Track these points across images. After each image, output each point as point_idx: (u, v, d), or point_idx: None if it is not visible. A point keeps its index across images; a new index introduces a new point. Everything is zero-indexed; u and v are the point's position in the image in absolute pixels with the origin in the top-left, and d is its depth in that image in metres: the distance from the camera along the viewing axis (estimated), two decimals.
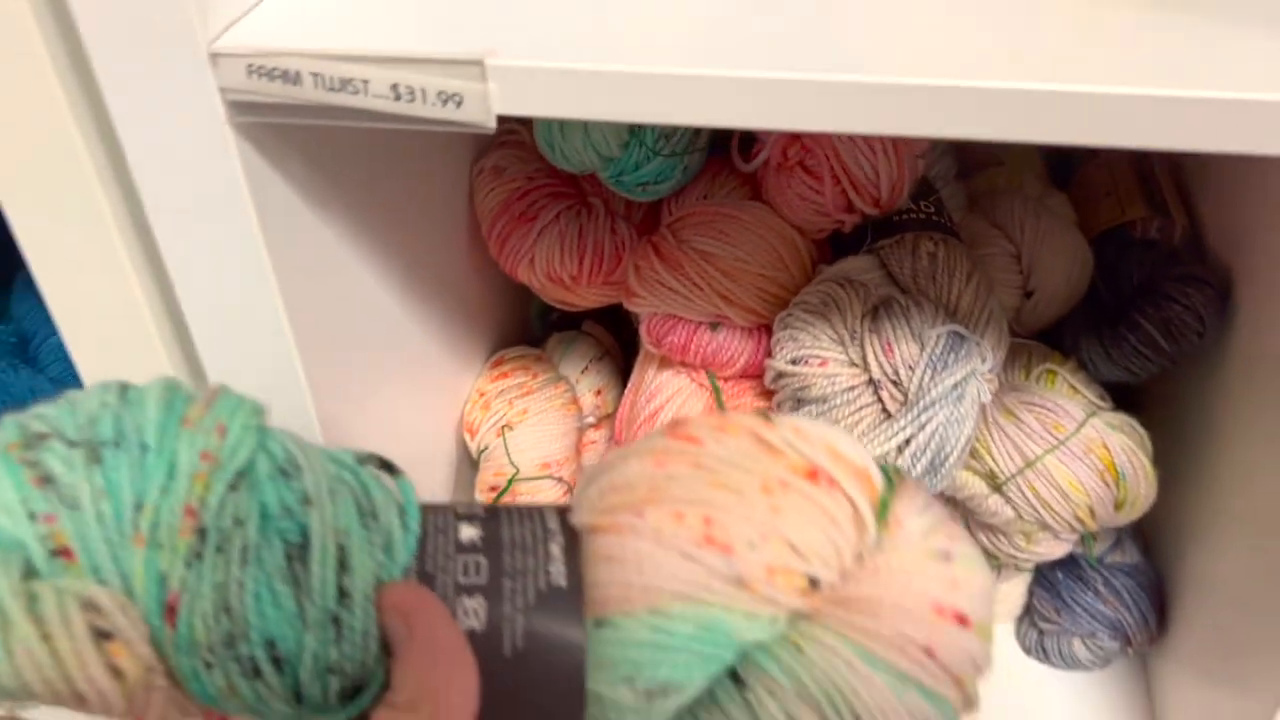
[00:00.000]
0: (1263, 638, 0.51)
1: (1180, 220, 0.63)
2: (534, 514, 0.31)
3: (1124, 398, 0.61)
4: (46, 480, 0.26)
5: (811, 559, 0.30)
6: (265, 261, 0.42)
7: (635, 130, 0.56)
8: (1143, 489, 0.56)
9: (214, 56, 0.37)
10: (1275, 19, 0.37)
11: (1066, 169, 0.73)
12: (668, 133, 0.56)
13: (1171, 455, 0.64)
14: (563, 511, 0.32)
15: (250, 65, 0.37)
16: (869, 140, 0.53)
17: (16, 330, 0.68)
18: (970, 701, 0.31)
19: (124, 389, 0.29)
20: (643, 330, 0.60)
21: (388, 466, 0.31)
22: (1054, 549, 0.58)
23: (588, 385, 0.68)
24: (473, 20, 0.39)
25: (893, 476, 0.33)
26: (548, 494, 0.62)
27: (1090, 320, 0.60)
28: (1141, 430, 0.57)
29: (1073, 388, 0.57)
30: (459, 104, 0.37)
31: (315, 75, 0.37)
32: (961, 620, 0.30)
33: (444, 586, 0.28)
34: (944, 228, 0.57)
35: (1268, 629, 0.50)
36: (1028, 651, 0.67)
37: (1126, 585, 0.63)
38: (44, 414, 0.28)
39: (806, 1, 0.39)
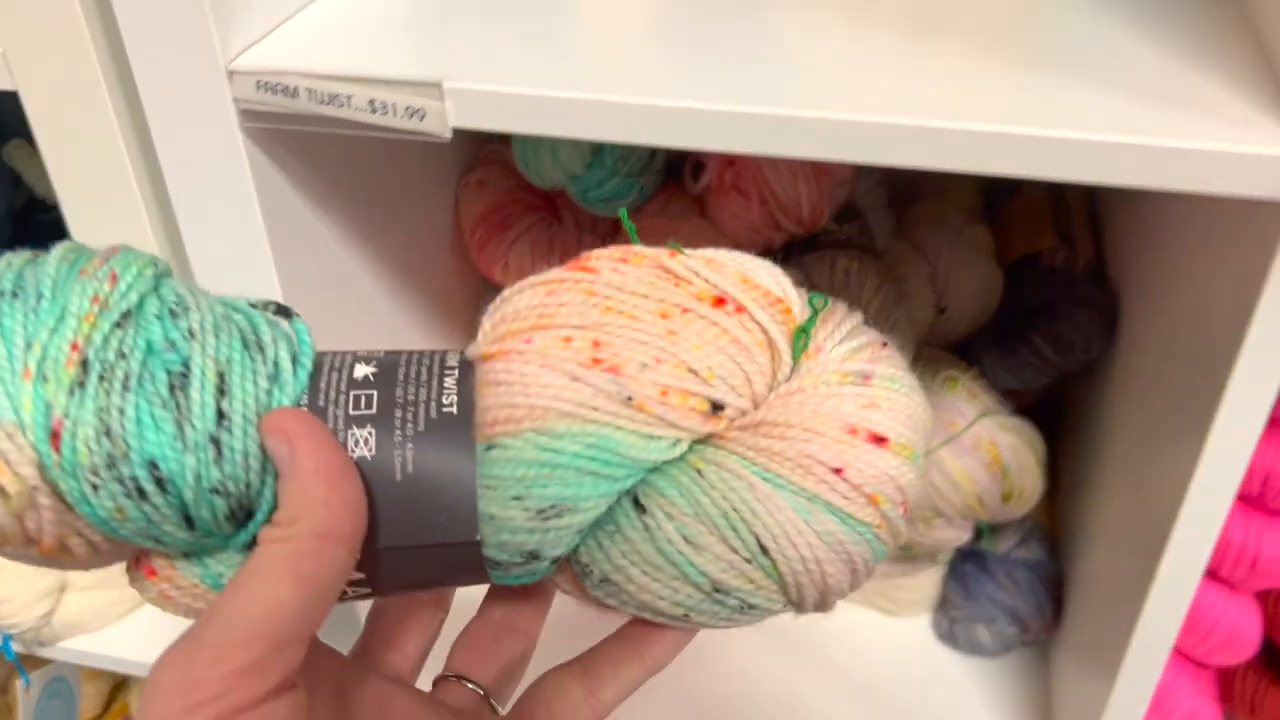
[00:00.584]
0: (1132, 632, 0.57)
1: (1085, 251, 0.70)
2: (434, 354, 0.32)
3: (1047, 410, 0.69)
4: None
5: (713, 382, 0.30)
6: (265, 242, 0.51)
7: (596, 152, 0.65)
8: (1029, 484, 0.64)
9: (230, 73, 0.46)
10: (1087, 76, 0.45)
11: (998, 203, 0.81)
12: (625, 155, 0.65)
13: (1080, 461, 0.72)
14: (464, 351, 0.33)
15: (259, 81, 0.46)
16: (792, 168, 0.61)
17: None
18: (894, 530, 0.31)
19: (35, 254, 0.30)
20: None
21: (284, 311, 0.32)
22: (950, 535, 0.66)
23: None
24: (444, 48, 0.48)
25: (818, 305, 0.33)
26: None
27: (993, 335, 0.68)
28: (1033, 432, 0.65)
29: (971, 393, 0.65)
30: (422, 118, 0.45)
31: (309, 90, 0.46)
32: (878, 440, 0.30)
33: (335, 419, 0.29)
34: (861, 247, 0.65)
35: (1134, 624, 0.56)
36: (941, 638, 0.74)
37: (1025, 578, 0.70)
38: None
39: (727, 39, 0.48)
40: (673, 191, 0.69)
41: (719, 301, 0.31)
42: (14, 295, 0.28)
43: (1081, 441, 0.73)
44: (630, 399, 0.29)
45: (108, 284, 0.28)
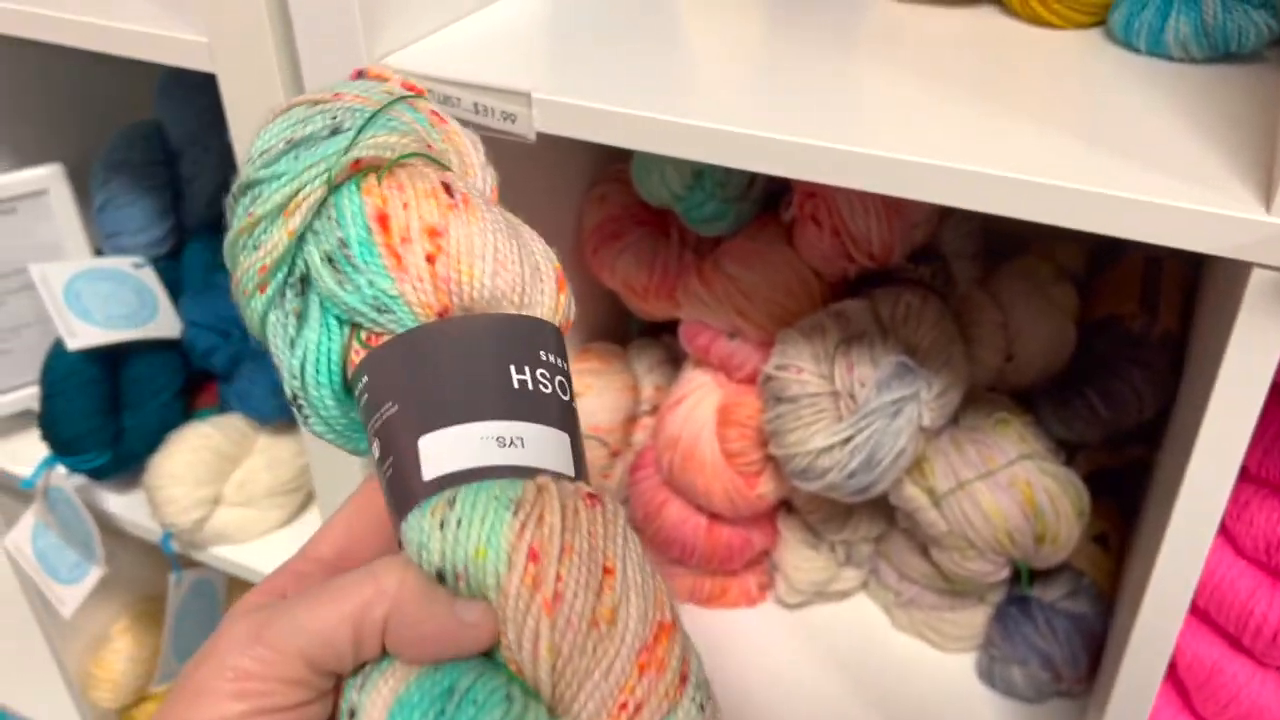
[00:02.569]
0: (1112, 683, 0.58)
1: (1165, 320, 0.72)
2: None
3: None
4: None
5: None
6: None
7: (698, 175, 0.72)
8: (1064, 530, 0.66)
9: None
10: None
11: (1102, 267, 0.83)
12: (723, 180, 0.72)
13: (1146, 527, 0.73)
14: None
15: None
16: (865, 204, 0.67)
17: None
18: None
19: None
20: (680, 331, 0.75)
21: None
22: (983, 569, 0.68)
23: (651, 381, 0.84)
24: (553, 63, 0.57)
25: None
26: (592, 453, 0.78)
27: (1055, 385, 0.70)
28: (1078, 484, 0.67)
29: (1021, 436, 0.68)
30: (514, 122, 0.54)
31: (429, 92, 0.56)
32: None
33: None
34: (931, 288, 0.69)
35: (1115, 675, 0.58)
36: (980, 676, 0.76)
37: (1065, 627, 0.71)
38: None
39: (802, 74, 0.55)
40: (767, 220, 0.75)
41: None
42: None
43: (1150, 505, 0.74)
44: None
45: None
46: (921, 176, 0.47)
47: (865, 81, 0.54)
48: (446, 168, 0.39)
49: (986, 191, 0.46)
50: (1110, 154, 0.46)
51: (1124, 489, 0.80)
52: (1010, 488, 0.65)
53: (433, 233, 0.35)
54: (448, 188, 0.36)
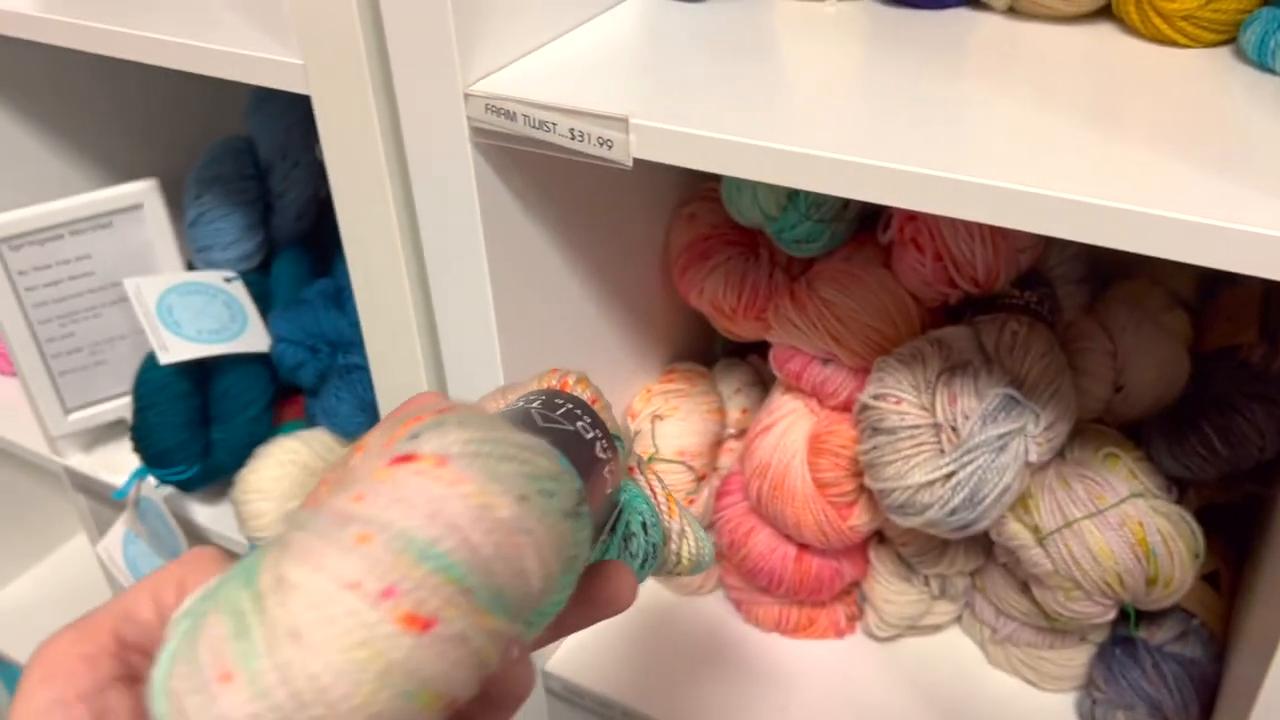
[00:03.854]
0: None
1: None
2: None
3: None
4: None
5: None
6: (480, 242, 0.60)
7: (791, 196, 0.70)
8: (1177, 573, 0.62)
9: (467, 96, 0.56)
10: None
11: (1214, 292, 0.79)
12: (818, 201, 0.70)
13: (1264, 568, 0.69)
14: None
15: (487, 104, 0.55)
16: (970, 228, 0.64)
17: (335, 283, 0.92)
18: None
19: None
20: (771, 356, 0.73)
21: None
22: (1090, 610, 0.65)
23: (737, 403, 0.82)
24: (648, 87, 0.56)
25: None
26: (677, 477, 0.77)
27: (1168, 419, 0.67)
28: (1193, 525, 0.64)
29: (1132, 473, 0.65)
30: (610, 147, 0.53)
31: (524, 116, 0.55)
32: None
33: None
34: (1038, 315, 0.66)
35: None
36: (1080, 718, 0.73)
37: (1174, 672, 0.68)
38: None
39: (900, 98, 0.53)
40: (863, 241, 0.73)
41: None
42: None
43: (1265, 546, 0.70)
44: None
45: None
46: (1035, 208, 0.44)
47: (974, 104, 0.52)
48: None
49: (1107, 225, 0.43)
50: (1243, 185, 0.43)
51: (1233, 523, 0.76)
52: (1121, 527, 0.62)
53: None
54: None
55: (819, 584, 0.75)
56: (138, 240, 0.93)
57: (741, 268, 0.76)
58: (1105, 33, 0.59)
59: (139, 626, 0.30)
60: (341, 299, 0.91)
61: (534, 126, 0.55)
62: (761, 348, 0.82)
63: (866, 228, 0.73)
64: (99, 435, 1.01)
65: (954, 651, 0.79)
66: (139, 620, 0.31)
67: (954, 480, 0.61)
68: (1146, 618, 0.70)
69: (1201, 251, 0.42)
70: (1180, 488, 0.68)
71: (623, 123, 0.52)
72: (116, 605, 0.31)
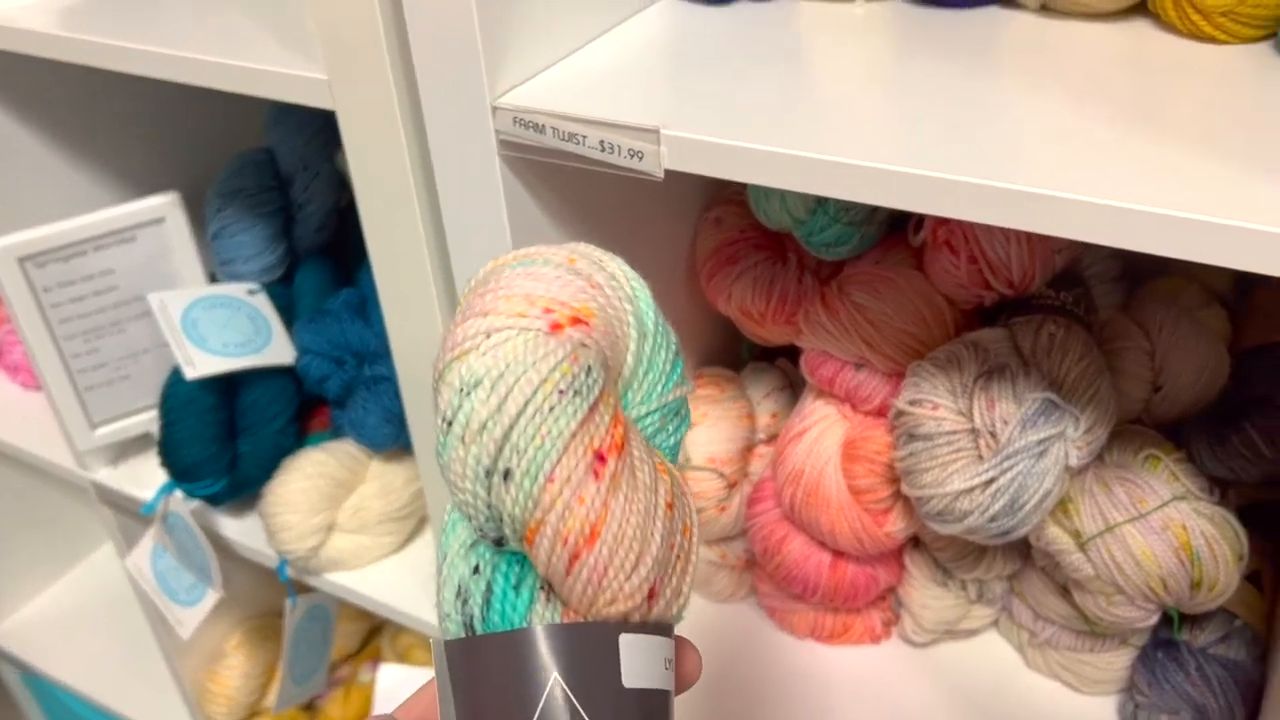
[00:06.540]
0: None
1: None
2: None
3: None
4: None
5: None
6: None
7: (821, 200, 0.69)
8: (1222, 577, 0.61)
9: (494, 109, 0.55)
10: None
11: (1252, 288, 0.78)
12: (848, 204, 0.69)
13: None
14: None
15: (515, 117, 0.55)
16: (1005, 231, 0.63)
17: (359, 294, 0.91)
18: None
19: None
20: (802, 361, 0.73)
21: None
22: (1131, 614, 0.64)
23: (766, 408, 0.81)
24: (677, 97, 0.55)
25: None
26: (708, 484, 0.76)
27: (1209, 420, 0.66)
28: (1237, 527, 0.63)
29: (1173, 475, 0.64)
30: (641, 159, 0.52)
31: (554, 129, 0.54)
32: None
33: None
34: (1074, 315, 0.65)
35: None
36: None
37: (1219, 675, 0.67)
38: None
39: (926, 102, 0.52)
40: (894, 243, 0.72)
41: None
42: None
43: None
44: None
45: None
46: (1072, 214, 0.43)
47: (1006, 106, 0.51)
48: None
49: (1149, 231, 0.42)
50: None
51: (1273, 520, 0.75)
52: (1164, 531, 0.61)
53: None
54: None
55: (854, 591, 0.74)
56: (161, 254, 0.93)
57: (770, 272, 0.75)
58: (1141, 30, 0.58)
59: None
60: (366, 309, 0.91)
61: (563, 139, 0.54)
62: (790, 350, 0.81)
63: (897, 229, 0.72)
64: (126, 449, 1.01)
65: (992, 655, 0.78)
66: None
67: (994, 487, 0.60)
68: (1189, 619, 0.69)
69: (1250, 257, 0.41)
70: (1221, 488, 0.67)
71: (654, 134, 0.51)
72: None
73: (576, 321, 0.33)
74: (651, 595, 0.31)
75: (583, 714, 0.29)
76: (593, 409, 0.31)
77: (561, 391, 0.31)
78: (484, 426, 0.30)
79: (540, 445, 0.30)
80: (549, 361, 0.31)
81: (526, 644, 0.30)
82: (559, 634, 0.30)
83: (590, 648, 0.30)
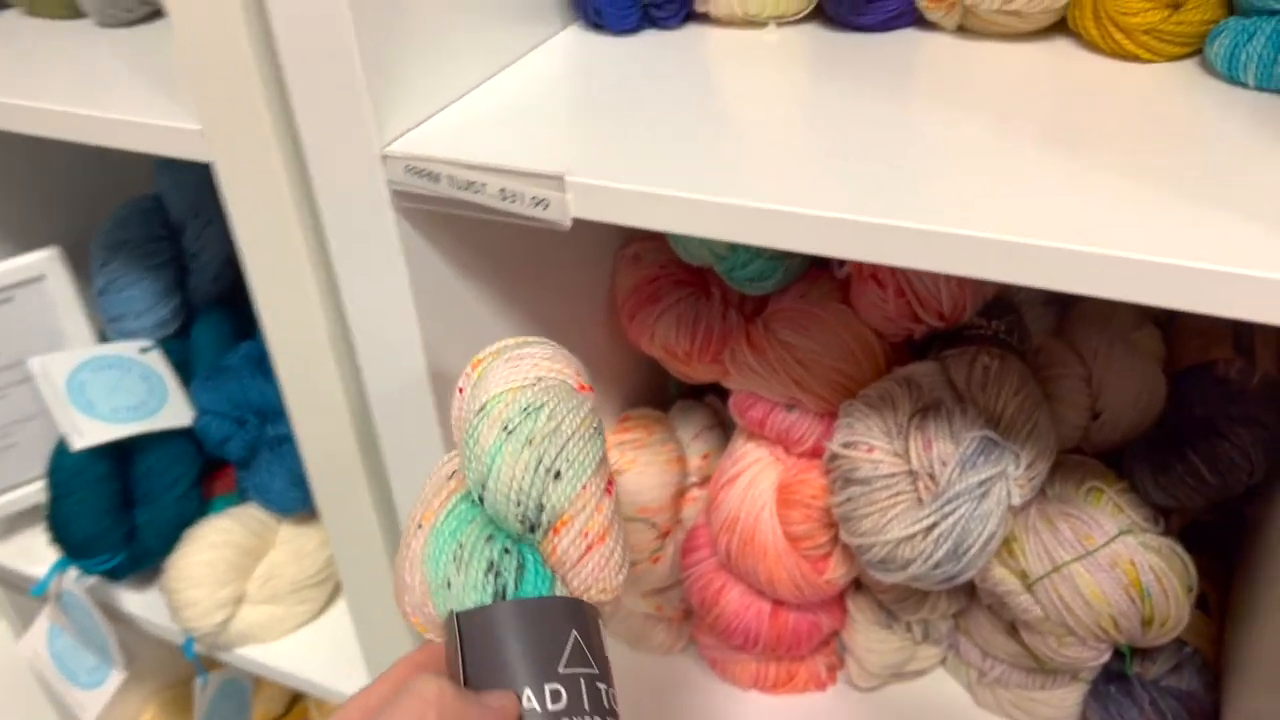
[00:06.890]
0: None
1: (1263, 365, 0.65)
2: None
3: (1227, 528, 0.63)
4: None
5: None
6: (411, 308, 0.55)
7: None
8: (1172, 612, 0.59)
9: (384, 157, 0.51)
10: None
11: None
12: None
13: (1254, 588, 0.66)
14: None
15: (407, 166, 0.51)
16: None
17: (259, 347, 0.86)
18: None
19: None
20: (731, 403, 0.69)
21: None
22: (1084, 655, 0.62)
23: (697, 449, 0.77)
24: (580, 143, 0.51)
25: None
26: (640, 535, 0.72)
27: (1149, 446, 0.64)
28: (1184, 557, 0.61)
29: (1117, 506, 0.62)
30: (546, 207, 0.48)
31: (449, 177, 0.50)
32: None
33: None
34: (1008, 345, 0.63)
35: None
36: None
37: (1173, 709, 0.65)
38: None
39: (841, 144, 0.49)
40: (819, 275, 0.69)
41: None
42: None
43: (1258, 567, 0.67)
44: None
45: None
46: (1000, 256, 0.40)
47: (928, 136, 0.48)
48: None
49: (1081, 272, 0.39)
50: (1227, 218, 0.40)
51: (1214, 539, 0.73)
52: (1112, 569, 0.59)
53: None
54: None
55: (796, 639, 0.71)
56: (43, 313, 0.86)
57: (693, 309, 0.72)
58: (1062, 50, 0.56)
59: None
60: (267, 364, 0.85)
61: (460, 188, 0.50)
62: (719, 386, 0.77)
63: (821, 262, 0.69)
64: (15, 523, 0.94)
65: (941, 694, 0.76)
66: None
67: (936, 532, 0.57)
68: (1139, 650, 0.67)
69: (1182, 295, 0.39)
70: (1165, 514, 0.65)
71: (558, 181, 0.47)
72: None
73: (585, 388, 0.45)
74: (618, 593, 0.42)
75: (590, 658, 0.38)
76: (605, 451, 0.43)
77: (594, 429, 0.43)
78: (546, 437, 0.41)
79: (583, 460, 0.41)
80: (586, 406, 0.43)
81: (555, 606, 0.39)
82: (573, 603, 0.40)
83: (588, 619, 0.39)
